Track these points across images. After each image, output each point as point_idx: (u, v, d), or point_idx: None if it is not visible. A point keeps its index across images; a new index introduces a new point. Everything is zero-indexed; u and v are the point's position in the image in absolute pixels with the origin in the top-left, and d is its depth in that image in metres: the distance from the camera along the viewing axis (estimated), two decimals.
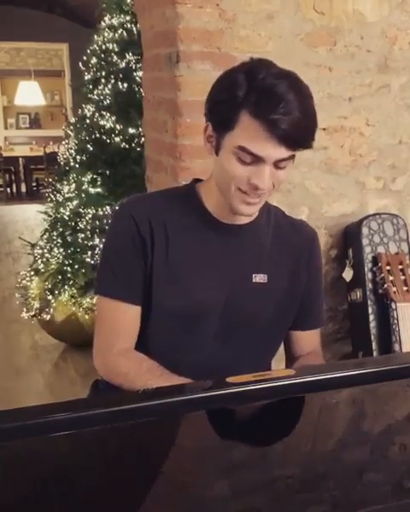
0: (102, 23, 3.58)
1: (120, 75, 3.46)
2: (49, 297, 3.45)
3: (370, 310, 2.21)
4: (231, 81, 1.18)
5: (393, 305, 2.12)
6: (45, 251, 3.60)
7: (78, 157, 3.58)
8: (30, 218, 6.69)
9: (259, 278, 1.32)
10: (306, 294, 1.39)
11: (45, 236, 3.69)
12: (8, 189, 9.57)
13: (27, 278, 3.69)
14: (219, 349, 1.32)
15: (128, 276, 1.29)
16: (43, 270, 3.58)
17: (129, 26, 3.45)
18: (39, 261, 3.63)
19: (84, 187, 3.47)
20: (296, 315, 1.40)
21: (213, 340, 1.32)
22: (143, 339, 1.32)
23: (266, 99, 1.14)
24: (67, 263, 3.44)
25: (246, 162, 1.17)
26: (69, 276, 3.42)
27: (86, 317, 3.32)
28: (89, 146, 3.51)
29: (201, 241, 1.31)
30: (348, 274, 2.27)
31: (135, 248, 1.27)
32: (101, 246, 3.12)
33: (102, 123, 3.46)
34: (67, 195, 3.58)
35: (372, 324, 2.21)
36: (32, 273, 3.66)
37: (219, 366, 1.28)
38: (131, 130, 3.37)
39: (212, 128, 1.23)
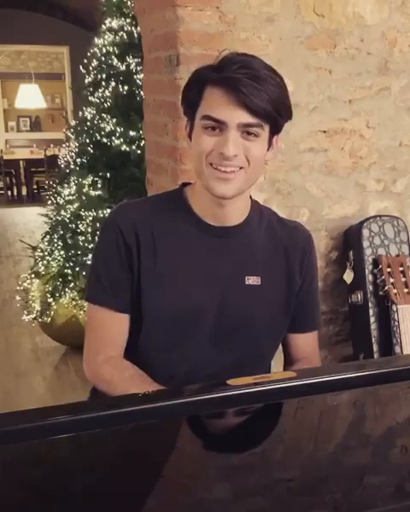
0: (103, 26, 3.58)
1: (121, 78, 3.46)
2: (50, 300, 3.45)
3: (371, 312, 2.21)
4: (199, 68, 1.24)
5: (394, 308, 2.12)
6: (46, 253, 3.61)
7: (78, 160, 3.59)
8: (30, 220, 6.70)
9: (252, 280, 1.31)
10: (301, 296, 1.38)
11: (46, 239, 3.69)
12: (9, 192, 9.58)
13: (28, 281, 3.70)
14: (216, 354, 1.31)
15: (115, 285, 1.29)
16: (43, 273, 3.58)
17: (129, 28, 3.46)
18: (40, 264, 3.63)
19: (84, 189, 3.47)
20: (292, 317, 1.39)
21: (209, 345, 1.30)
22: (136, 349, 1.31)
23: (226, 64, 1.18)
24: (67, 265, 3.45)
25: (212, 131, 1.18)
26: (70, 278, 3.43)
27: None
28: (89, 148, 3.52)
29: (189, 245, 1.30)
30: (348, 276, 2.27)
31: (121, 257, 1.27)
32: None
33: (102, 125, 3.46)
34: (67, 198, 3.58)
35: (373, 326, 2.21)
36: (33, 276, 3.66)
37: (217, 372, 1.28)
38: (131, 133, 3.38)
39: (187, 119, 1.25)
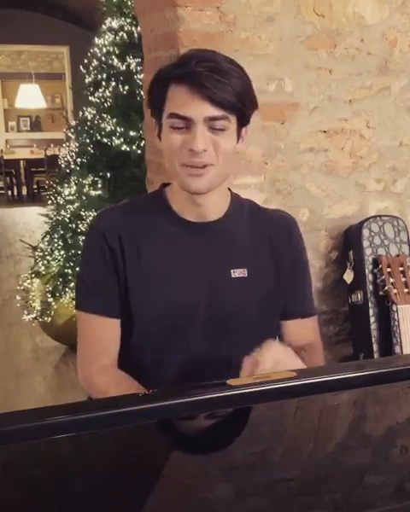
0: (103, 26, 3.58)
1: (121, 78, 3.46)
2: (50, 299, 3.46)
3: (371, 312, 2.21)
4: (161, 68, 1.24)
5: (394, 308, 2.12)
6: (46, 253, 3.61)
7: (78, 160, 3.59)
8: (31, 220, 6.70)
9: (238, 273, 1.31)
10: (290, 282, 1.37)
11: (46, 239, 3.70)
12: (9, 192, 9.60)
13: (28, 281, 3.70)
14: (209, 350, 1.31)
15: (101, 290, 1.29)
16: (44, 273, 3.58)
17: (130, 28, 3.46)
18: (40, 264, 3.63)
19: (84, 189, 3.47)
20: (284, 304, 1.38)
21: (202, 341, 1.30)
22: (127, 352, 1.31)
23: (187, 60, 1.18)
24: (67, 265, 3.45)
25: (179, 129, 1.18)
26: (70, 278, 3.43)
27: None
28: (90, 148, 3.52)
29: (172, 243, 1.30)
30: (348, 276, 2.27)
31: (105, 261, 1.28)
32: None
33: (102, 125, 3.46)
34: (67, 198, 3.58)
35: (373, 326, 2.21)
36: (33, 275, 3.67)
37: (212, 367, 1.28)
38: (131, 133, 3.38)
39: (155, 121, 1.25)
